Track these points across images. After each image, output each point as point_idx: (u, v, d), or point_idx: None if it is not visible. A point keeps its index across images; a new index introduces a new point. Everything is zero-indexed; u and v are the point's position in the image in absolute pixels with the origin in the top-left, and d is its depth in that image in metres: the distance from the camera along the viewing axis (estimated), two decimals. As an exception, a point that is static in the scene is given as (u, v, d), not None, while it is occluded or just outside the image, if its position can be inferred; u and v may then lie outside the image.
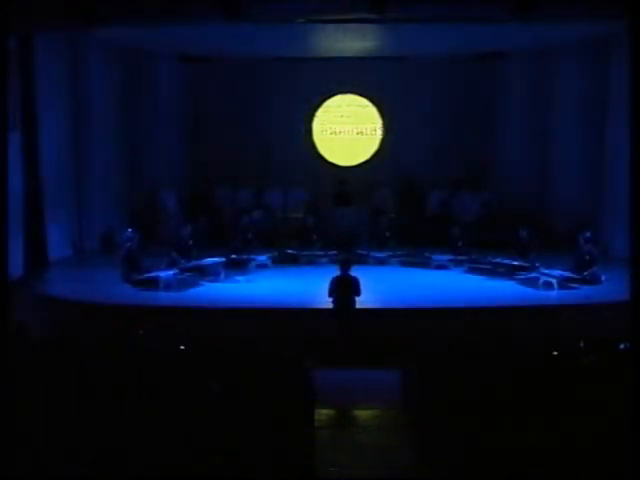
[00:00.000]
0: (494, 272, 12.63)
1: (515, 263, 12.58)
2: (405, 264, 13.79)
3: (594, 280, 11.70)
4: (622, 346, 7.54)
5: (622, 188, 11.96)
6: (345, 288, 9.94)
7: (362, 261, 13.56)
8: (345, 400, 8.65)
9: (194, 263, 12.50)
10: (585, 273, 11.73)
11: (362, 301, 10.20)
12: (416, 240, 14.97)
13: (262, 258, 13.47)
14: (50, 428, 5.46)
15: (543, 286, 11.55)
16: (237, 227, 14.11)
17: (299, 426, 5.99)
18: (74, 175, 14.77)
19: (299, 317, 10.36)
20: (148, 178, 16.40)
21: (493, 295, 11.35)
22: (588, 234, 12.09)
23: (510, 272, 12.44)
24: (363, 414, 8.40)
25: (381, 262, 13.80)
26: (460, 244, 13.79)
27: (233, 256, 13.23)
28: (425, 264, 13.54)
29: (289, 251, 14.11)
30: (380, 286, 11.96)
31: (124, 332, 8.27)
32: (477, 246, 14.12)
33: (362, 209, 15.84)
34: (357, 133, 17.54)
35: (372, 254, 13.97)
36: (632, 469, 4.83)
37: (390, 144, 17.25)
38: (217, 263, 12.60)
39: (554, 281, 11.46)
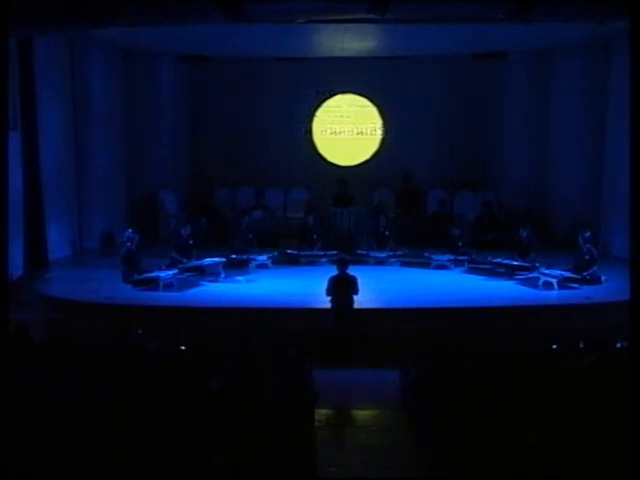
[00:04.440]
0: (494, 272, 12.62)
1: (515, 263, 12.57)
2: (405, 264, 13.77)
3: (594, 280, 11.70)
4: (619, 345, 7.55)
5: (622, 188, 11.99)
6: (343, 287, 9.96)
7: (362, 261, 13.57)
8: (345, 400, 8.66)
9: (194, 263, 12.50)
10: (585, 273, 11.73)
11: (362, 301, 10.22)
12: (416, 240, 14.99)
13: (262, 258, 13.46)
14: (50, 428, 5.46)
15: (543, 286, 11.54)
16: (237, 227, 14.10)
17: (299, 426, 5.99)
18: (74, 175, 14.77)
19: (299, 317, 10.37)
20: (148, 178, 16.40)
21: (493, 295, 11.34)
22: (588, 234, 12.08)
23: (510, 272, 12.43)
24: (363, 414, 8.41)
25: (381, 262, 13.78)
26: (460, 244, 13.78)
27: (233, 256, 13.22)
28: (425, 264, 13.53)
29: (289, 251, 14.09)
30: (380, 286, 11.97)
31: (124, 332, 8.26)
32: (477, 246, 14.14)
33: (362, 209, 15.83)
34: (357, 133, 17.51)
35: (372, 254, 13.96)
36: (632, 469, 4.83)
37: (390, 144, 17.23)
38: (217, 263, 12.59)
39: (554, 281, 11.46)
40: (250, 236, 13.87)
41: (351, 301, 9.99)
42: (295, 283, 12.19)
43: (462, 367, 7.16)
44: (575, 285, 11.61)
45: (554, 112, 15.96)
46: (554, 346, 8.13)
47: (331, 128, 17.47)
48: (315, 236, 14.40)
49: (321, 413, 7.80)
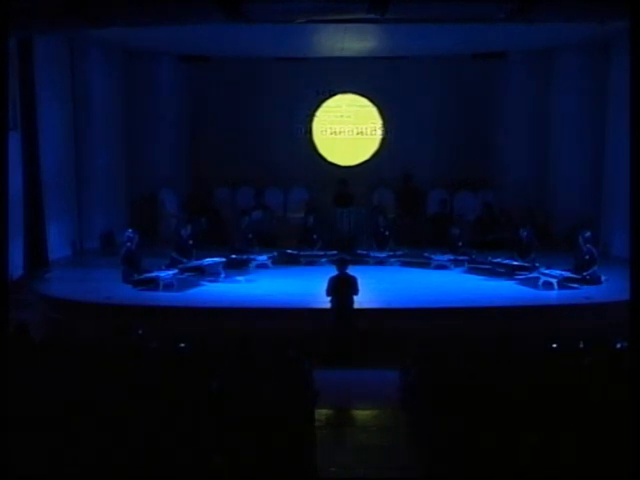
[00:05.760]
0: (494, 272, 12.62)
1: (515, 263, 12.57)
2: (405, 264, 13.77)
3: (594, 280, 11.70)
4: (619, 345, 7.55)
5: (622, 188, 11.98)
6: (343, 287, 9.96)
7: (362, 261, 13.57)
8: (345, 400, 8.66)
9: (194, 263, 12.50)
10: (585, 273, 11.73)
11: (362, 301, 10.21)
12: (416, 240, 14.99)
13: (262, 258, 13.46)
14: (49, 428, 5.46)
15: (543, 286, 11.54)
16: (237, 227, 14.09)
17: (299, 426, 5.99)
18: (74, 175, 14.77)
19: (299, 317, 10.37)
20: (148, 178, 16.40)
21: (493, 295, 11.34)
22: (588, 234, 12.08)
23: (510, 272, 12.43)
24: (363, 414, 8.41)
25: (381, 262, 13.78)
26: (460, 244, 13.78)
27: (233, 256, 13.22)
28: (425, 264, 13.53)
29: (289, 251, 14.09)
30: (380, 286, 11.97)
31: (124, 332, 8.26)
32: (477, 246, 14.14)
33: (362, 209, 15.84)
34: (357, 133, 17.52)
35: (372, 254, 13.96)
36: (632, 469, 4.83)
37: (390, 144, 17.24)
38: (217, 263, 12.59)
39: (554, 281, 11.46)
40: (250, 236, 13.87)
41: (351, 301, 9.99)
42: (295, 283, 12.19)
43: (462, 367, 7.16)
44: (575, 285, 11.61)
45: (554, 112, 15.96)
46: (554, 346, 8.12)
47: (331, 128, 17.48)
48: (315, 236, 14.40)
49: (321, 413, 7.80)
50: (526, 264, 12.44)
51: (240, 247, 13.55)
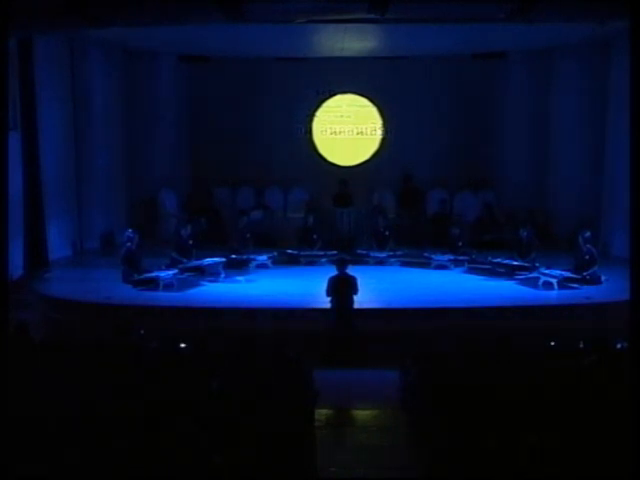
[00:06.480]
0: (494, 272, 12.62)
1: (515, 263, 12.57)
2: (405, 264, 13.77)
3: (594, 280, 11.70)
4: (619, 345, 7.55)
5: (622, 188, 11.99)
6: (343, 287, 9.96)
7: (362, 261, 13.56)
8: (345, 400, 8.66)
9: (194, 263, 12.50)
10: (585, 273, 11.73)
11: (362, 301, 10.22)
12: (416, 240, 14.99)
13: (262, 258, 13.46)
14: (49, 428, 5.46)
15: (543, 286, 11.54)
16: (237, 227, 14.10)
17: (299, 426, 5.99)
18: (74, 175, 14.77)
19: (299, 317, 10.37)
20: (148, 178, 16.40)
21: (493, 295, 11.34)
22: (588, 234, 12.08)
23: (510, 272, 12.43)
24: (363, 414, 8.41)
25: (381, 262, 13.78)
26: (460, 244, 13.78)
27: (233, 256, 13.22)
28: (425, 264, 13.52)
29: (289, 251, 14.09)
30: (380, 286, 11.97)
31: (124, 332, 8.26)
32: (477, 246, 14.15)
33: (362, 209, 15.84)
34: (357, 133, 17.51)
35: (372, 254, 13.96)
36: (632, 469, 4.83)
37: (390, 144, 17.24)
38: (217, 263, 12.59)
39: (554, 281, 11.46)
40: (249, 236, 13.87)
41: (351, 301, 9.99)
42: (295, 283, 12.19)
43: (462, 367, 7.16)
44: (575, 285, 11.61)
45: (554, 112, 15.97)
46: (552, 344, 8.13)
47: (331, 128, 17.47)
48: (315, 236, 14.40)
49: (321, 413, 7.80)
50: (526, 264, 12.43)
51: (240, 247, 13.54)
